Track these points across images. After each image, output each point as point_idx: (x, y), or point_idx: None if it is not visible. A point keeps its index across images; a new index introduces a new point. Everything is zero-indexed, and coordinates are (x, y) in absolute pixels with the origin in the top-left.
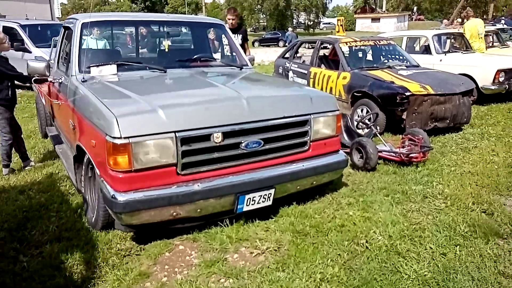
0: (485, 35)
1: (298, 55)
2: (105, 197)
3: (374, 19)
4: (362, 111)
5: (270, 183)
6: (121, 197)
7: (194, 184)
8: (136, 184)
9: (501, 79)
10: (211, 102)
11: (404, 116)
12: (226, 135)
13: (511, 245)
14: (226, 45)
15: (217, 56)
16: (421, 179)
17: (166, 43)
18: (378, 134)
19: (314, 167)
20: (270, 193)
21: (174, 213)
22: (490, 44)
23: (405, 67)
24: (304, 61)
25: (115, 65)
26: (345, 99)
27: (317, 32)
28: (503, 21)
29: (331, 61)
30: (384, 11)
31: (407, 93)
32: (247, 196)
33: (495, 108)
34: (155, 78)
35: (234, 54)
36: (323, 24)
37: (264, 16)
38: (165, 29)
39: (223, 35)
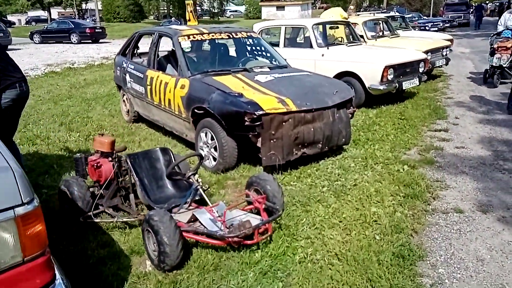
0: (374, 24)
1: (139, 51)
2: None
3: (279, 7)
4: (206, 135)
5: None
6: None
7: None
8: None
9: (390, 77)
10: None
11: (259, 144)
12: None
13: None
14: None
15: None
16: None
17: None
18: (203, 193)
19: None
20: None
21: None
22: (380, 33)
23: (267, 69)
24: (143, 60)
25: None
26: (186, 117)
27: (223, 20)
28: (395, 9)
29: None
30: None
31: (258, 112)
32: None
33: (386, 112)
34: None
35: None
36: (230, 12)
37: (165, 3)
38: None
39: None
